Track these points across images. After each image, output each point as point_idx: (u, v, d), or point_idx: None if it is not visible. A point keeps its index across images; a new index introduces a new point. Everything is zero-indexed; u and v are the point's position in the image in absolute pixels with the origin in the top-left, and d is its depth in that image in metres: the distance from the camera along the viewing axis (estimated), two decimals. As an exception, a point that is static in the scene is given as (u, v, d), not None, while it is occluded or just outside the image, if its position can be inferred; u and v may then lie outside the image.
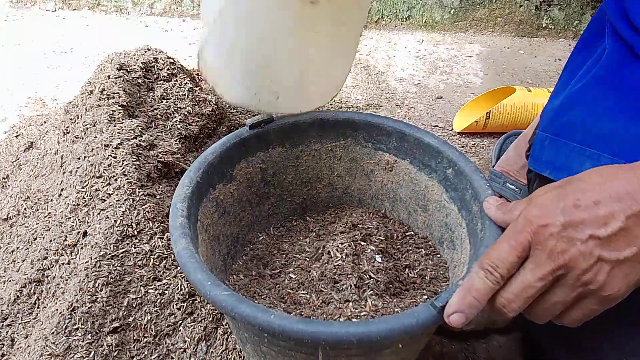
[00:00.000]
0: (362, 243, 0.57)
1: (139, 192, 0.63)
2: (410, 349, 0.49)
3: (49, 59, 1.39)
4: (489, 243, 0.44)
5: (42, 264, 0.63)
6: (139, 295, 0.58)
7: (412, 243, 0.63)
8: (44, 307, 0.61)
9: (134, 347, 0.57)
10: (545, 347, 0.58)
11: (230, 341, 0.59)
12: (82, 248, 0.61)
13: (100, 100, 0.73)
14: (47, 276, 0.63)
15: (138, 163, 0.66)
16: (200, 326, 0.59)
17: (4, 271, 0.68)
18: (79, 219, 0.64)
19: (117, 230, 0.60)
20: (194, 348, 0.58)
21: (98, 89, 0.74)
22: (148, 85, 0.81)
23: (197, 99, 0.82)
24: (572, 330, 0.42)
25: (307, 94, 0.63)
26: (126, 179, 0.64)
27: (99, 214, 0.62)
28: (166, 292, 0.59)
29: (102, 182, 0.65)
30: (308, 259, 0.59)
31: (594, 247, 0.35)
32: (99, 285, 0.57)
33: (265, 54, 0.58)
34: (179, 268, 0.61)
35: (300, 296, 0.54)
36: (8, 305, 0.62)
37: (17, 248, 0.69)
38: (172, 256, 0.61)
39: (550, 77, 1.38)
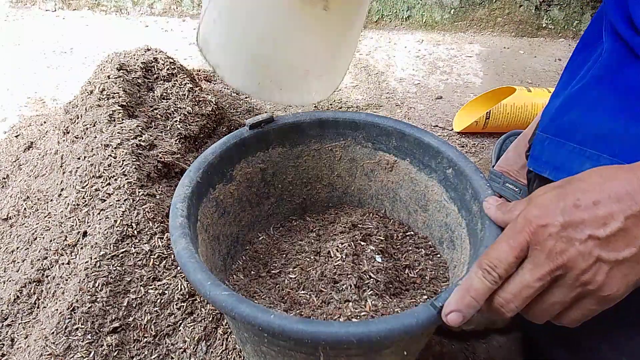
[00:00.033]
0: (362, 243, 0.57)
1: (139, 192, 0.63)
2: (410, 349, 0.49)
3: (49, 59, 1.39)
4: (488, 243, 0.44)
5: (42, 264, 0.63)
6: (139, 295, 0.58)
7: (412, 243, 0.63)
8: (44, 307, 0.61)
9: (134, 347, 0.57)
10: (544, 347, 0.58)
11: (230, 341, 0.59)
12: (82, 248, 0.62)
13: (100, 100, 0.73)
14: (47, 276, 0.63)
15: (138, 163, 0.66)
16: (200, 326, 0.59)
17: (4, 271, 0.68)
18: (79, 219, 0.64)
19: (117, 230, 0.60)
20: (194, 348, 0.58)
21: (98, 89, 0.74)
22: (148, 85, 0.81)
23: (197, 99, 0.83)
24: (571, 330, 0.42)
25: (309, 88, 0.65)
26: (126, 179, 0.64)
27: (99, 214, 0.62)
28: (166, 292, 0.59)
29: (102, 182, 0.65)
30: (308, 259, 0.59)
31: (593, 247, 0.35)
32: (99, 285, 0.57)
33: (272, 48, 0.60)
34: (179, 268, 0.61)
35: (300, 296, 0.54)
36: (8, 305, 0.63)
37: (17, 248, 0.69)
38: (172, 256, 0.61)
39: (550, 77, 1.38)
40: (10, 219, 0.74)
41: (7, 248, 0.70)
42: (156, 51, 0.86)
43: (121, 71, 0.77)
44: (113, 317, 0.57)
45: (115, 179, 0.64)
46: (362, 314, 0.49)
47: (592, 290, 0.36)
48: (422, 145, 0.59)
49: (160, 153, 0.70)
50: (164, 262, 0.60)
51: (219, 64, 0.59)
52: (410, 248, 0.62)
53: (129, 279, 0.59)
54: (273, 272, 0.59)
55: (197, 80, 0.97)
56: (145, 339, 0.57)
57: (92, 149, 0.68)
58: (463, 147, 1.09)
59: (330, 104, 1.20)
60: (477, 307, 0.38)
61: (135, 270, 0.59)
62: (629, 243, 0.34)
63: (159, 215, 0.63)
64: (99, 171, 0.65)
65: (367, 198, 0.69)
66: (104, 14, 1.64)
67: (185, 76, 0.84)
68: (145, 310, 0.58)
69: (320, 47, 0.62)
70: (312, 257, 0.59)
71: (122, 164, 0.65)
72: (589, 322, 0.40)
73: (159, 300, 0.59)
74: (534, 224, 0.37)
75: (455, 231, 0.56)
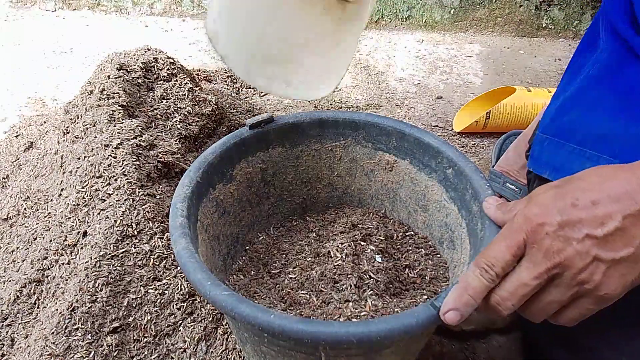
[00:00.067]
0: (362, 243, 0.57)
1: (139, 192, 0.63)
2: (410, 348, 0.49)
3: (49, 59, 1.39)
4: (488, 243, 0.44)
5: (42, 264, 0.63)
6: (139, 295, 0.58)
7: (412, 243, 0.63)
8: (44, 307, 0.61)
9: (134, 347, 0.57)
10: (544, 347, 0.58)
11: (230, 341, 0.59)
12: (82, 248, 0.62)
13: (100, 100, 0.73)
14: (47, 276, 0.63)
15: (138, 163, 0.66)
16: (200, 326, 0.59)
17: (4, 271, 0.68)
18: (79, 219, 0.64)
19: (117, 230, 0.60)
20: (194, 348, 0.58)
21: (98, 89, 0.74)
22: (148, 85, 0.81)
23: (197, 99, 0.83)
24: (570, 330, 0.42)
25: (316, 85, 0.66)
26: (126, 179, 0.64)
27: (99, 214, 0.62)
28: (166, 292, 0.59)
29: (102, 182, 0.65)
30: (308, 259, 0.59)
31: (591, 246, 0.35)
32: (99, 285, 0.57)
33: (275, 42, 0.61)
34: (179, 268, 0.61)
35: (300, 296, 0.54)
36: (8, 305, 0.63)
37: (17, 248, 0.69)
38: (172, 256, 0.61)
39: (550, 77, 1.38)
40: (10, 219, 0.74)
41: (7, 248, 0.70)
42: (156, 51, 0.86)
43: (121, 71, 0.77)
44: (113, 317, 0.57)
45: (115, 179, 0.64)
46: (362, 314, 0.49)
47: (589, 289, 0.36)
48: (422, 145, 0.59)
49: (160, 153, 0.70)
50: (164, 262, 0.60)
51: (228, 55, 0.60)
52: (410, 248, 0.62)
53: (129, 279, 0.59)
54: (273, 272, 0.59)
55: (197, 80, 0.97)
56: (145, 339, 0.57)
57: (92, 149, 0.68)
58: (463, 147, 1.09)
59: (330, 104, 1.20)
60: (475, 305, 0.38)
61: (135, 270, 0.59)
62: (627, 243, 0.34)
63: (159, 215, 0.63)
64: (99, 171, 0.65)
65: (367, 198, 0.69)
66: (104, 14, 1.64)
67: (185, 76, 0.84)
68: (145, 310, 0.58)
69: (325, 42, 0.63)
70: (312, 257, 0.59)
71: (122, 164, 0.65)
72: (588, 322, 0.40)
73: (159, 300, 0.59)
74: (531, 223, 0.37)
75: (455, 231, 0.56)
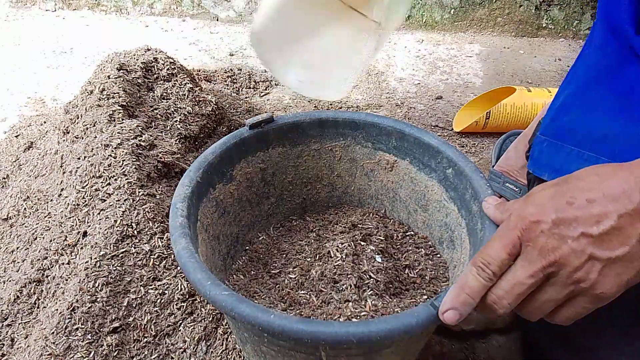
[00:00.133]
0: (362, 243, 0.57)
1: (139, 192, 0.63)
2: (410, 348, 0.49)
3: (49, 59, 1.39)
4: (488, 243, 0.44)
5: (42, 264, 0.63)
6: (139, 295, 0.58)
7: (412, 243, 0.63)
8: (44, 307, 0.61)
9: (134, 347, 0.57)
10: (544, 347, 0.58)
11: (230, 341, 0.59)
12: (82, 248, 0.62)
13: (100, 100, 0.73)
14: (47, 276, 0.63)
15: (138, 163, 0.66)
16: (200, 326, 0.59)
17: (4, 271, 0.68)
18: (79, 219, 0.64)
19: (117, 230, 0.60)
20: (194, 348, 0.58)
21: (98, 89, 0.74)
22: (148, 85, 0.81)
23: (197, 99, 0.83)
24: (570, 329, 0.42)
25: (338, 87, 0.74)
26: (126, 179, 0.64)
27: (99, 214, 0.62)
28: (166, 292, 0.59)
29: (102, 182, 0.65)
30: (308, 259, 0.59)
31: (586, 245, 0.35)
32: (99, 285, 0.57)
33: (317, 56, 0.72)
34: (179, 268, 0.61)
35: (300, 296, 0.54)
36: (8, 305, 0.63)
37: (17, 248, 0.69)
38: (172, 256, 0.61)
39: (550, 77, 1.38)
40: (10, 219, 0.74)
41: (7, 248, 0.70)
42: (156, 51, 0.86)
43: (121, 71, 0.77)
44: (113, 317, 0.57)
45: (115, 179, 0.64)
46: (362, 314, 0.49)
47: (585, 288, 0.36)
48: (422, 145, 0.59)
49: (160, 153, 0.70)
50: (164, 262, 0.60)
51: (269, 60, 0.71)
52: (410, 248, 0.62)
53: (129, 279, 0.59)
54: (273, 272, 0.59)
55: (197, 80, 0.97)
56: (145, 339, 0.57)
57: (92, 149, 0.68)
58: (463, 147, 1.09)
59: (330, 104, 1.20)
60: (473, 304, 0.38)
61: (135, 270, 0.59)
62: (622, 242, 0.34)
63: (159, 215, 0.63)
64: (99, 171, 0.65)
65: (367, 198, 0.69)
66: (104, 14, 1.64)
67: (185, 76, 0.84)
68: (145, 310, 0.58)
69: (351, 52, 0.72)
70: (312, 257, 0.59)
71: (122, 164, 0.65)
72: (585, 321, 0.40)
73: (159, 300, 0.59)
74: (525, 221, 0.37)
75: (455, 231, 0.56)
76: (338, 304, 0.50)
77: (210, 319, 0.59)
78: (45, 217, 0.69)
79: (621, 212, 0.34)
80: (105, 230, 0.60)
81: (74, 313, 0.56)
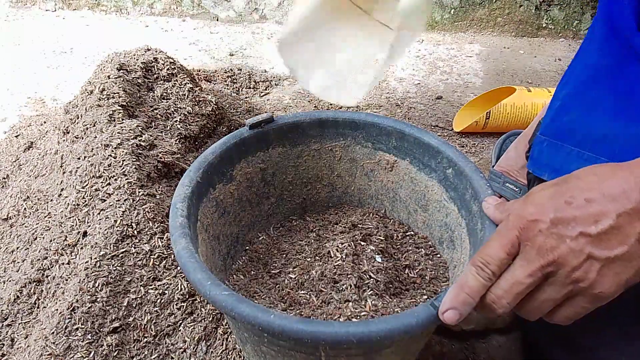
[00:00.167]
0: (362, 243, 0.57)
1: (139, 192, 0.63)
2: (410, 348, 0.49)
3: (49, 59, 1.39)
4: (488, 243, 0.44)
5: (42, 264, 0.63)
6: (139, 295, 0.58)
7: (412, 243, 0.63)
8: (44, 307, 0.61)
9: (134, 347, 0.57)
10: (544, 347, 0.58)
11: (230, 341, 0.59)
12: (82, 248, 0.62)
13: (100, 100, 0.73)
14: (47, 276, 0.63)
15: (138, 163, 0.66)
16: (200, 326, 0.59)
17: (4, 271, 0.68)
18: (79, 219, 0.64)
19: (117, 230, 0.60)
20: (194, 348, 0.58)
21: (98, 89, 0.74)
22: (148, 85, 0.81)
23: (197, 99, 0.83)
24: (569, 329, 0.42)
25: (356, 93, 0.79)
26: (126, 179, 0.64)
27: (99, 214, 0.62)
28: (166, 292, 0.59)
29: (102, 182, 0.65)
30: (308, 259, 0.59)
31: (585, 244, 0.35)
32: (99, 285, 0.57)
33: (341, 64, 0.76)
34: (179, 268, 0.61)
35: (300, 296, 0.54)
36: (8, 305, 0.63)
37: (17, 248, 0.69)
38: (172, 256, 0.61)
39: (550, 77, 1.38)
40: (10, 219, 0.74)
41: (7, 248, 0.70)
42: (156, 51, 0.86)
43: (121, 71, 0.77)
44: (113, 317, 0.57)
45: (115, 179, 0.64)
46: (362, 314, 0.49)
47: (584, 287, 0.35)
48: (422, 145, 0.59)
49: (160, 153, 0.70)
50: (164, 262, 0.60)
51: (294, 67, 0.75)
52: (410, 248, 0.62)
53: (129, 279, 0.59)
54: (273, 272, 0.59)
55: (197, 80, 0.97)
56: (145, 339, 0.57)
57: (92, 149, 0.68)
58: (463, 147, 1.09)
59: (330, 104, 1.20)
60: (473, 303, 0.38)
61: (135, 270, 0.59)
62: (621, 241, 0.34)
63: (159, 215, 0.63)
64: (99, 171, 0.65)
65: (367, 198, 0.69)
66: (104, 14, 1.64)
67: (185, 76, 0.84)
68: (145, 310, 0.58)
69: (372, 61, 0.76)
70: (312, 257, 0.59)
71: (122, 164, 0.65)
72: (585, 321, 0.40)
73: (159, 300, 0.59)
74: (524, 220, 0.37)
75: (455, 231, 0.56)
76: (338, 304, 0.50)
77: (210, 319, 0.59)
78: (45, 217, 0.69)
79: (620, 211, 0.34)
80: (105, 230, 0.60)
81: (74, 313, 0.56)
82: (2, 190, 0.82)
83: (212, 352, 0.58)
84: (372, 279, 0.52)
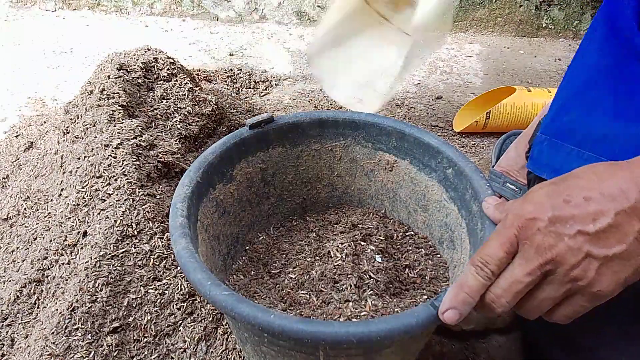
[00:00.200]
0: (362, 243, 0.57)
1: (139, 192, 0.63)
2: (410, 348, 0.49)
3: (49, 59, 1.39)
4: (488, 243, 0.44)
5: (42, 264, 0.63)
6: (139, 295, 0.58)
7: (412, 243, 0.63)
8: (44, 307, 0.61)
9: (134, 347, 0.57)
10: (544, 347, 0.58)
11: (230, 341, 0.59)
12: (82, 248, 0.62)
13: (100, 100, 0.73)
14: (47, 276, 0.63)
15: (138, 163, 0.66)
16: (200, 326, 0.59)
17: (4, 271, 0.68)
18: (79, 219, 0.64)
19: (117, 230, 0.60)
20: (194, 348, 0.58)
21: (98, 89, 0.74)
22: (148, 85, 0.81)
23: (197, 99, 0.83)
24: (569, 329, 0.42)
25: (381, 100, 0.89)
26: (126, 179, 0.64)
27: (99, 214, 0.62)
28: (166, 292, 0.59)
29: (102, 182, 0.65)
30: (308, 259, 0.59)
31: (583, 242, 0.34)
32: (99, 285, 0.57)
33: (366, 75, 0.85)
34: (179, 268, 0.61)
35: (300, 296, 0.54)
36: (8, 305, 0.63)
37: (17, 248, 0.69)
38: (172, 256, 0.61)
39: (550, 77, 1.38)
40: (10, 219, 0.74)
41: (7, 248, 0.70)
42: (156, 51, 0.86)
43: (121, 71, 0.77)
44: (113, 317, 0.57)
45: (115, 179, 0.64)
46: (362, 314, 0.49)
47: (583, 286, 0.35)
48: (422, 145, 0.59)
49: (160, 153, 0.70)
50: (164, 262, 0.60)
51: (322, 77, 0.85)
52: (410, 248, 0.62)
53: (129, 279, 0.59)
54: (273, 272, 0.59)
55: (197, 80, 0.97)
56: (145, 339, 0.57)
57: (92, 149, 0.68)
58: (463, 147, 1.09)
59: (330, 104, 1.20)
60: (473, 303, 0.38)
61: (135, 270, 0.59)
62: (619, 240, 0.34)
63: (159, 215, 0.63)
64: (99, 171, 0.65)
65: (367, 198, 0.69)
66: (104, 14, 1.64)
67: (185, 76, 0.84)
68: (145, 310, 0.58)
69: (394, 68, 0.85)
70: (312, 257, 0.59)
71: (122, 164, 0.65)
72: (584, 321, 0.40)
73: (159, 300, 0.59)
74: (522, 219, 0.37)
75: (455, 231, 0.56)
76: (338, 304, 0.50)
77: (210, 319, 0.59)
78: (45, 217, 0.69)
79: (618, 210, 0.34)
80: (105, 230, 0.60)
81: (74, 313, 0.56)
82: (2, 190, 0.82)
83: (212, 352, 0.58)
84: (372, 279, 0.52)
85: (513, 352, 0.68)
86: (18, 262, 0.67)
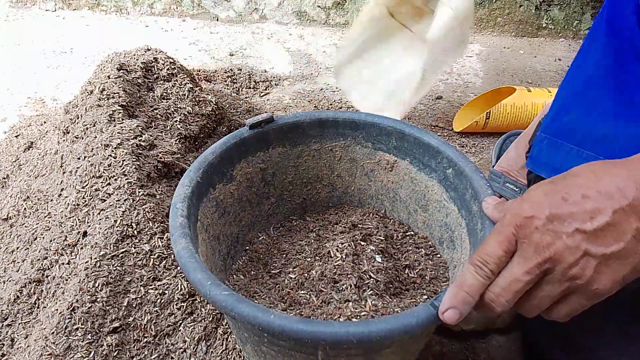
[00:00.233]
0: (362, 243, 0.57)
1: (139, 192, 0.63)
2: (410, 348, 0.49)
3: (49, 59, 1.39)
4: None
5: (42, 264, 0.63)
6: (139, 295, 0.58)
7: (412, 243, 0.63)
8: (44, 307, 0.61)
9: (134, 347, 0.57)
10: (544, 347, 0.58)
11: (230, 341, 0.59)
12: (82, 248, 0.62)
13: (100, 100, 0.73)
14: (47, 276, 0.63)
15: (138, 163, 0.66)
16: (200, 326, 0.59)
17: (4, 271, 0.68)
18: (79, 219, 0.64)
19: (117, 230, 0.60)
20: (194, 348, 0.58)
21: (98, 89, 0.74)
22: (148, 85, 0.81)
23: (197, 99, 0.83)
24: (570, 329, 0.42)
25: (405, 108, 0.93)
26: (126, 179, 0.64)
27: (99, 214, 0.62)
28: (166, 292, 0.59)
29: (102, 182, 0.65)
30: (308, 259, 0.59)
31: (581, 241, 0.34)
32: (99, 285, 0.57)
33: (390, 86, 0.90)
34: (179, 268, 0.61)
35: (300, 296, 0.54)
36: (8, 305, 0.63)
37: (17, 248, 0.69)
38: (172, 256, 0.61)
39: (550, 77, 1.38)
40: (10, 219, 0.74)
41: (7, 248, 0.70)
42: (156, 51, 0.86)
43: (121, 71, 0.77)
44: (113, 317, 0.57)
45: (115, 179, 0.64)
46: (362, 314, 0.49)
47: (581, 284, 0.35)
48: (422, 145, 0.59)
49: (160, 153, 0.70)
50: (164, 262, 0.60)
51: (347, 89, 0.91)
52: (410, 248, 0.62)
53: (129, 279, 0.59)
54: (273, 272, 0.59)
55: (197, 80, 0.97)
56: (145, 339, 0.57)
57: (92, 149, 0.68)
58: (463, 147, 1.09)
59: (330, 104, 1.20)
60: (472, 302, 0.38)
61: (135, 270, 0.59)
62: (617, 238, 0.34)
63: (159, 215, 0.63)
64: (99, 171, 0.65)
65: (367, 198, 0.69)
66: (104, 14, 1.64)
67: (185, 76, 0.84)
68: (145, 310, 0.58)
69: (417, 80, 0.88)
70: (312, 257, 0.59)
71: (122, 164, 0.65)
72: (584, 320, 0.40)
73: (159, 300, 0.59)
74: (520, 217, 0.37)
75: (455, 231, 0.56)
76: (338, 304, 0.50)
77: (210, 319, 0.59)
78: (45, 217, 0.69)
79: (615, 207, 0.34)
80: (105, 230, 0.60)
81: (74, 313, 0.56)
82: (2, 190, 0.82)
83: (212, 352, 0.58)
84: (372, 279, 0.52)
85: (513, 352, 0.68)
86: (18, 262, 0.67)
